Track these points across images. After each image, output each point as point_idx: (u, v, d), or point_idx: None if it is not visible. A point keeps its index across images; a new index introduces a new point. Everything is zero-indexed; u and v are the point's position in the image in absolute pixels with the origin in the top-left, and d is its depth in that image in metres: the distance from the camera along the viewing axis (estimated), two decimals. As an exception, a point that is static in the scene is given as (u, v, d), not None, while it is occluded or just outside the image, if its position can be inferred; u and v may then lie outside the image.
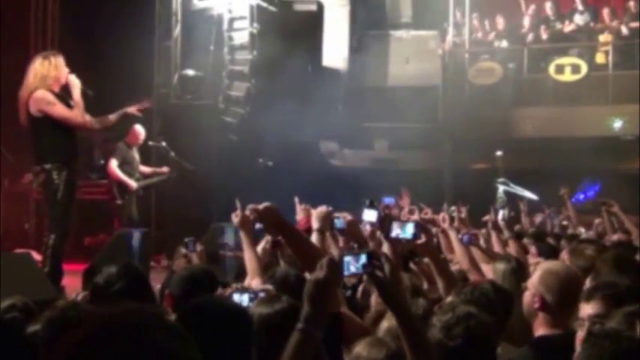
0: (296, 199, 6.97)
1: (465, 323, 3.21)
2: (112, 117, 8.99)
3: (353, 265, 4.20)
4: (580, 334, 3.39)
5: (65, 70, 8.18)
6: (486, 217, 8.15)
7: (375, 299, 4.67)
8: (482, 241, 6.81)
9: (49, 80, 8.04)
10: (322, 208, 5.18)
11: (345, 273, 4.38)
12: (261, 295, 3.97)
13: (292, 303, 3.35)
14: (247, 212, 4.63)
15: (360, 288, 5.42)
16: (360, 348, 3.40)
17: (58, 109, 7.98)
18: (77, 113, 8.06)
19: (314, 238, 4.91)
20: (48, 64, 8.12)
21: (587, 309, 3.67)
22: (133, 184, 11.88)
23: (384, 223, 5.28)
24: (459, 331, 3.19)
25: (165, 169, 12.51)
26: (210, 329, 2.61)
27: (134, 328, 1.46)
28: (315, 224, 5.07)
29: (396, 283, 3.04)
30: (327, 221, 5.16)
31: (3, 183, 13.08)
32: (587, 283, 4.68)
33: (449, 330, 3.20)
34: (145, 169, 12.34)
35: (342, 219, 6.10)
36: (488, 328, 3.31)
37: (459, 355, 3.20)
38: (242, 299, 4.31)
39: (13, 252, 9.35)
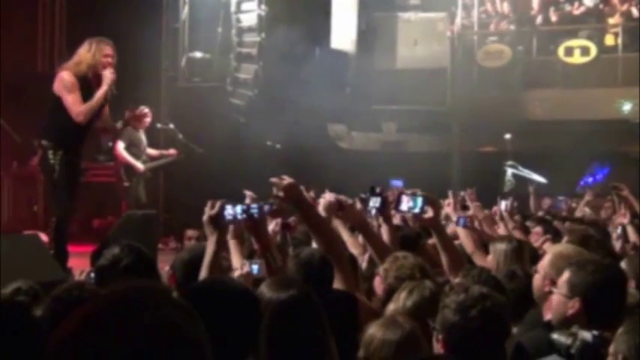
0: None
1: (481, 304, 3.18)
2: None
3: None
4: None
5: (103, 60, 7.96)
6: (494, 208, 8.12)
7: (378, 282, 4.66)
8: (476, 224, 6.80)
9: (82, 66, 7.92)
10: (328, 198, 5.17)
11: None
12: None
13: (305, 289, 3.33)
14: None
15: (366, 257, 5.43)
16: (374, 329, 3.39)
17: (69, 99, 7.88)
18: (82, 110, 7.86)
19: None
20: (87, 50, 7.99)
21: None
22: (140, 166, 11.87)
23: (385, 207, 5.31)
24: (475, 313, 3.16)
25: (172, 151, 12.49)
26: (213, 309, 2.59)
27: (141, 303, 1.46)
28: (321, 213, 5.06)
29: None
30: (333, 210, 5.17)
31: (11, 165, 13.11)
32: None
33: (465, 311, 3.18)
34: (153, 151, 12.33)
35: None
36: (504, 309, 3.30)
37: (476, 337, 3.19)
38: (252, 268, 4.35)
39: (21, 233, 9.38)
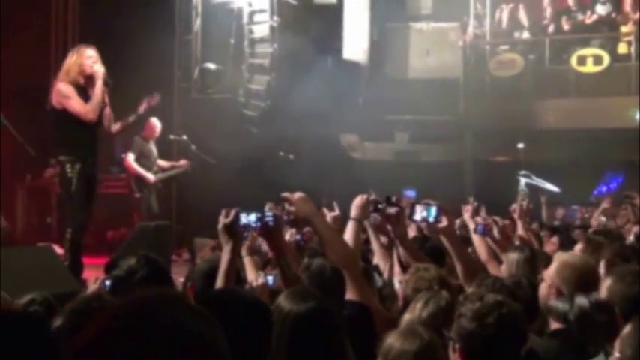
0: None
1: (497, 311, 3.17)
2: (131, 119, 9.00)
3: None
4: None
5: (89, 60, 8.12)
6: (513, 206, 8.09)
7: (401, 289, 4.66)
8: (495, 232, 6.78)
9: (72, 73, 8.07)
10: (361, 197, 5.16)
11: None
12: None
13: (323, 300, 3.31)
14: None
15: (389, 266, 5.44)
16: (392, 339, 3.38)
17: (72, 103, 7.99)
18: (89, 109, 8.00)
19: (350, 226, 4.91)
20: (71, 56, 8.21)
21: None
22: (150, 177, 11.92)
23: (399, 218, 5.32)
24: (491, 320, 3.15)
25: (183, 162, 12.53)
26: (227, 320, 2.59)
27: (159, 310, 1.46)
28: (353, 212, 5.05)
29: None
30: (365, 210, 5.14)
31: (25, 177, 13.16)
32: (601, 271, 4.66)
33: (481, 319, 3.17)
34: (164, 162, 12.37)
35: None
36: (519, 316, 3.28)
37: (493, 344, 3.17)
38: (268, 279, 4.35)
39: (35, 245, 9.40)
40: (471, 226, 6.45)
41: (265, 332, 2.86)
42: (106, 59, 8.33)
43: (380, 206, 5.29)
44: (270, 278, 4.50)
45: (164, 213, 12.25)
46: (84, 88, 8.10)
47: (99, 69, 8.11)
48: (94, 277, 5.22)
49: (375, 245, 5.94)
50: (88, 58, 8.15)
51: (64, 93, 7.99)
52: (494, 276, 4.56)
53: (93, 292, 4.34)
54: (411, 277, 4.54)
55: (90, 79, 8.11)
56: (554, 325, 4.01)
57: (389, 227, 5.37)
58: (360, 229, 5.13)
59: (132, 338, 1.41)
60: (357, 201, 5.08)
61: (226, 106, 15.20)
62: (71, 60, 8.17)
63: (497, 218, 7.08)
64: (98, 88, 8.07)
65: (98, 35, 13.00)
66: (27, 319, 2.78)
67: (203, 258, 5.05)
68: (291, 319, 3.12)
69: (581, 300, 3.72)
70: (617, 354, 3.12)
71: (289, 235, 6.05)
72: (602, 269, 4.71)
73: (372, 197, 5.19)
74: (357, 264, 4.52)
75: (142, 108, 9.03)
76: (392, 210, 5.13)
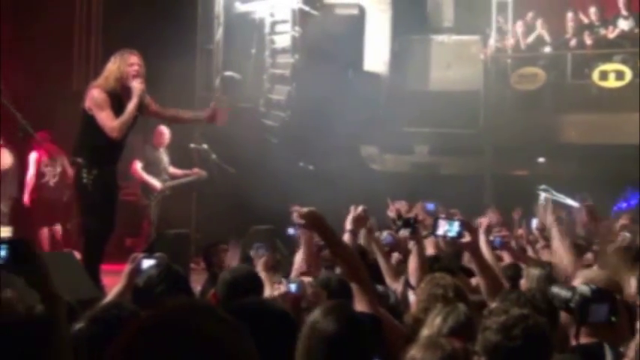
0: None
1: (523, 324, 3.17)
2: (187, 116, 8.95)
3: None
4: None
5: (129, 69, 7.94)
6: (520, 231, 8.06)
7: (415, 300, 4.66)
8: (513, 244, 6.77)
9: (110, 80, 7.91)
10: (355, 209, 5.22)
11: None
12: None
13: (360, 319, 3.30)
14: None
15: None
16: (414, 351, 3.37)
17: (102, 116, 7.79)
18: (115, 126, 7.80)
19: (345, 237, 4.95)
20: (114, 61, 8.01)
21: None
22: (157, 184, 11.99)
23: (416, 233, 5.36)
24: (517, 332, 3.15)
25: (196, 170, 12.57)
26: (252, 331, 2.59)
27: (189, 320, 1.48)
28: (348, 226, 5.10)
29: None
30: (360, 223, 5.21)
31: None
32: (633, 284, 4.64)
33: (507, 331, 3.16)
34: (176, 170, 12.42)
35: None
36: (545, 328, 3.28)
37: (519, 356, 3.17)
38: (291, 287, 4.37)
39: (56, 251, 9.43)
40: (483, 238, 6.44)
41: (289, 344, 2.86)
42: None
43: (398, 224, 5.34)
44: (293, 286, 4.50)
45: (183, 222, 12.29)
46: (120, 98, 7.94)
47: (137, 86, 7.92)
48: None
49: (383, 264, 5.95)
50: (131, 65, 7.96)
51: (96, 101, 7.82)
52: (518, 290, 4.54)
53: (112, 300, 4.37)
54: (426, 284, 4.54)
55: (128, 89, 7.94)
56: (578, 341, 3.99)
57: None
58: (356, 240, 5.20)
59: (162, 349, 1.43)
60: (352, 213, 5.15)
61: (247, 116, 15.23)
62: (113, 66, 7.99)
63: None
64: (132, 105, 7.88)
65: (120, 42, 13.08)
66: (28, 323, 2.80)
67: (228, 268, 5.07)
68: (324, 334, 3.10)
69: (583, 288, 3.73)
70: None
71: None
72: (632, 287, 4.69)
73: (395, 206, 5.26)
74: (367, 276, 4.53)
75: (207, 113, 8.91)
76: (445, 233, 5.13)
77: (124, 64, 7.97)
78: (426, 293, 4.46)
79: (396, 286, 5.71)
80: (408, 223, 5.52)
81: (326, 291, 4.23)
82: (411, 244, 5.61)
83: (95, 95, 7.87)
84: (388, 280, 5.83)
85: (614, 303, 3.71)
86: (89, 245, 7.95)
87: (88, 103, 7.88)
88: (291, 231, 6.15)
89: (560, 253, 6.14)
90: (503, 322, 3.19)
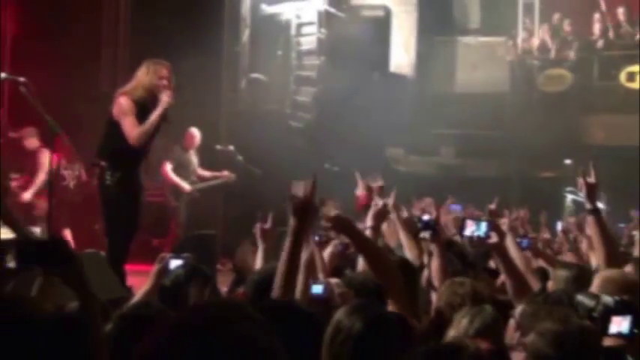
0: (357, 174, 6.93)
1: (579, 338, 3.14)
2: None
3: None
4: None
5: (159, 82, 7.93)
6: (546, 235, 8.02)
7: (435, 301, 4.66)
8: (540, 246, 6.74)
9: (139, 90, 7.93)
10: (377, 206, 5.26)
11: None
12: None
13: (386, 317, 3.31)
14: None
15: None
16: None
17: (126, 122, 7.80)
18: (136, 135, 7.81)
19: (368, 233, 4.98)
20: (144, 74, 8.00)
21: None
22: (186, 186, 12.06)
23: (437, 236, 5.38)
24: (571, 347, 3.12)
25: (225, 172, 12.62)
26: (279, 330, 2.61)
27: (221, 319, 1.49)
28: (368, 222, 5.17)
29: None
30: (380, 219, 5.31)
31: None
32: None
33: (560, 345, 3.13)
34: (205, 172, 12.48)
35: None
36: (598, 341, 3.25)
37: None
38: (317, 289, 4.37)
39: (83, 251, 9.48)
40: (509, 238, 6.42)
41: (315, 344, 2.87)
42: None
43: (421, 228, 5.38)
44: (319, 287, 4.49)
45: (210, 223, 12.34)
46: (147, 107, 7.93)
47: (166, 99, 7.91)
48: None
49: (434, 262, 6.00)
50: (161, 79, 7.96)
51: (122, 108, 7.84)
52: (546, 293, 4.52)
53: (141, 300, 4.40)
54: (444, 290, 4.53)
55: (156, 99, 7.93)
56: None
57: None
58: (377, 236, 5.27)
59: (196, 347, 1.44)
60: (373, 211, 5.21)
61: (273, 118, 15.27)
62: (145, 77, 7.98)
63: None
64: (155, 116, 7.87)
65: (148, 44, 13.18)
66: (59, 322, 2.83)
67: (258, 270, 5.10)
68: (353, 336, 3.11)
69: (607, 299, 3.71)
70: None
71: (332, 246, 6.10)
72: None
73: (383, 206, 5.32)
74: (397, 276, 4.53)
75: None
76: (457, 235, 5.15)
77: (155, 77, 7.97)
78: (444, 301, 4.45)
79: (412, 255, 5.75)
80: (428, 225, 5.53)
81: (353, 290, 4.24)
82: (432, 247, 5.61)
83: (122, 102, 7.90)
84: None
85: (638, 315, 3.68)
86: (113, 246, 8.00)
87: (115, 109, 7.94)
88: (316, 238, 6.18)
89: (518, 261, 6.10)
90: (559, 333, 3.16)
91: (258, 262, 5.60)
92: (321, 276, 5.01)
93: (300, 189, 5.00)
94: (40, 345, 2.61)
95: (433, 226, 5.55)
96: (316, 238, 4.84)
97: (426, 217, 5.83)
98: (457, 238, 5.82)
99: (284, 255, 4.02)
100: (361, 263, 5.32)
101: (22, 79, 6.90)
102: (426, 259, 5.62)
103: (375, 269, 4.43)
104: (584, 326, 3.22)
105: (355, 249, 4.98)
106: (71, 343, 2.70)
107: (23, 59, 12.28)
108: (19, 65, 11.58)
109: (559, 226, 7.88)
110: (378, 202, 5.36)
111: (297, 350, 2.73)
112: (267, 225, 5.90)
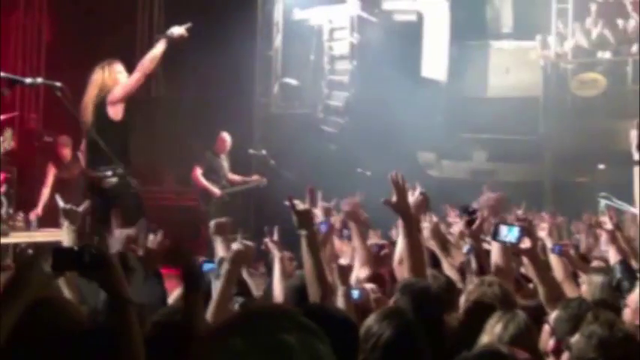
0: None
1: (624, 346, 3.13)
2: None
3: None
4: None
5: (119, 77, 8.62)
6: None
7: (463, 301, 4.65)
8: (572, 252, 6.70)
9: (106, 89, 8.47)
10: (414, 196, 5.35)
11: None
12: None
13: (412, 323, 3.31)
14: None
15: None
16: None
17: (127, 83, 8.57)
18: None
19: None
20: (102, 73, 8.57)
21: None
22: (216, 191, 12.11)
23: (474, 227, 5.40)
24: (618, 354, 3.12)
25: (255, 177, 12.68)
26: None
27: (269, 325, 1.50)
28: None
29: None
30: (420, 209, 5.52)
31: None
32: None
33: (607, 350, 3.12)
34: (235, 177, 12.53)
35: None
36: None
37: None
38: (353, 293, 4.39)
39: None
40: (549, 244, 6.40)
41: (351, 349, 2.88)
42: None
43: (461, 215, 5.40)
44: (355, 292, 4.49)
45: (242, 227, 12.37)
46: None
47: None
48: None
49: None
50: (119, 74, 8.73)
51: (114, 93, 8.46)
52: (580, 298, 4.49)
53: (175, 305, 4.43)
54: (474, 289, 4.52)
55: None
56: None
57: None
58: (418, 227, 5.35)
59: (240, 351, 1.45)
60: (412, 199, 5.36)
61: (305, 122, 15.30)
62: (102, 76, 8.62)
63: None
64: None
65: (181, 50, 13.27)
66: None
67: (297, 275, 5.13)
68: (383, 341, 3.13)
69: None
70: None
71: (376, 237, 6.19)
72: None
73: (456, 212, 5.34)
74: (425, 275, 4.55)
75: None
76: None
77: (111, 76, 8.68)
78: (472, 301, 4.44)
79: (452, 273, 5.73)
80: (473, 212, 5.56)
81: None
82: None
83: (116, 91, 8.55)
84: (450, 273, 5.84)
85: None
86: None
87: (110, 101, 8.40)
88: (322, 227, 6.19)
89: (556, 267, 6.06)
90: (606, 338, 3.15)
91: (277, 274, 5.65)
92: (365, 269, 5.07)
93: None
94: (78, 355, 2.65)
95: (473, 216, 5.58)
96: (322, 227, 4.95)
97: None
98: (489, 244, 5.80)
99: (307, 265, 4.04)
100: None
101: (58, 83, 7.03)
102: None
103: (412, 261, 4.51)
104: (629, 333, 3.20)
105: (404, 235, 5.00)
106: (107, 352, 2.73)
107: (58, 65, 12.41)
108: (54, 71, 11.71)
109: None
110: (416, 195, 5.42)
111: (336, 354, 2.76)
112: (275, 237, 6.07)
